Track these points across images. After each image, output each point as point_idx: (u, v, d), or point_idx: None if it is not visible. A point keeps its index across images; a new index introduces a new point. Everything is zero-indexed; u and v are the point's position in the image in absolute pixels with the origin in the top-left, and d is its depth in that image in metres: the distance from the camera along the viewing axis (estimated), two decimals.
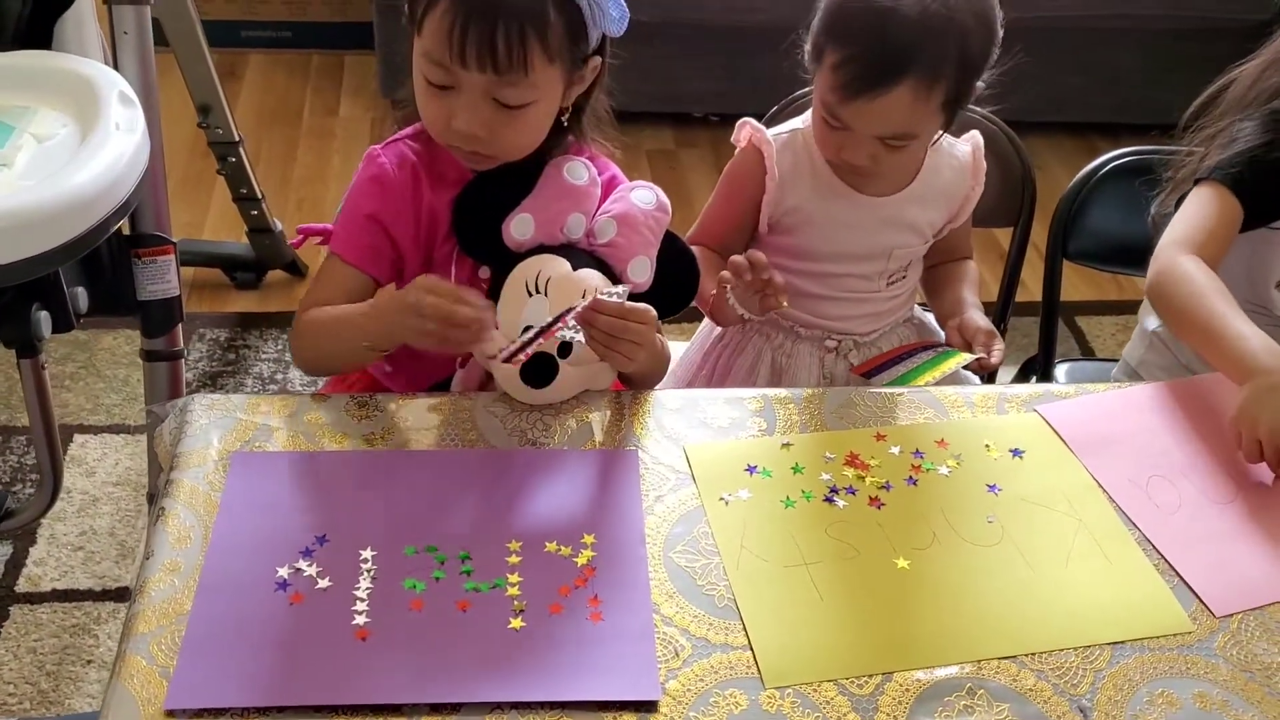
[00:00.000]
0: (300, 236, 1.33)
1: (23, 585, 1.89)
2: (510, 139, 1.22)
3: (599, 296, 1.16)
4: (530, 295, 1.21)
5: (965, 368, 1.43)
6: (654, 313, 1.21)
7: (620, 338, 1.18)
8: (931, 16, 1.29)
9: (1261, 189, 1.39)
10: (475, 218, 1.26)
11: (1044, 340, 1.77)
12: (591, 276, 1.23)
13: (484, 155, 1.24)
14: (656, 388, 1.31)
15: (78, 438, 2.17)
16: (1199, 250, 1.35)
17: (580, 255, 1.25)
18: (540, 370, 1.20)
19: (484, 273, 1.29)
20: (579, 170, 1.27)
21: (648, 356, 1.23)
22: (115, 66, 1.52)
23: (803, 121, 1.51)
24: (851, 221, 1.50)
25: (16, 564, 1.92)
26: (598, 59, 1.24)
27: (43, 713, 1.70)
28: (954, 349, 1.47)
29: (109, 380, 2.31)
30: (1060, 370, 1.81)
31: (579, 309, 1.16)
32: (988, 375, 1.76)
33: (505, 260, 1.24)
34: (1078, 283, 2.73)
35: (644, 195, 1.29)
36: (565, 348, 1.20)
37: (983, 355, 1.43)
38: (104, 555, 1.94)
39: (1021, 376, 1.87)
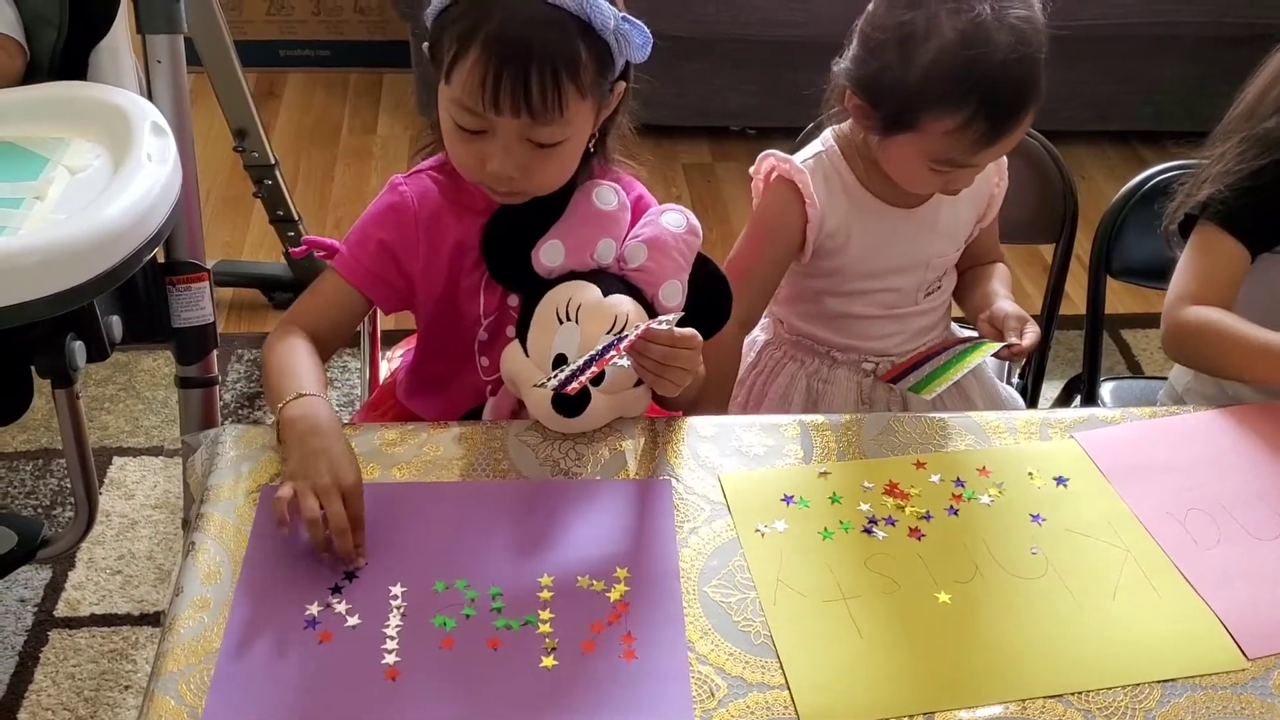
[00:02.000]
0: (304, 247, 1.30)
1: (61, 610, 1.89)
2: (546, 176, 1.21)
3: (651, 325, 1.14)
4: (561, 322, 1.20)
5: (997, 355, 1.40)
6: (700, 338, 1.19)
7: (671, 365, 1.16)
8: (1025, 39, 1.29)
9: (1259, 219, 1.38)
10: (505, 245, 1.24)
11: (1088, 359, 1.74)
12: (623, 303, 1.21)
13: (517, 192, 1.22)
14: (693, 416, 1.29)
15: (117, 460, 2.17)
16: (1205, 302, 1.36)
17: (611, 281, 1.23)
18: (575, 399, 1.18)
19: (513, 300, 1.28)
20: (608, 195, 1.25)
21: (694, 382, 1.22)
22: (149, 95, 1.52)
23: (822, 144, 1.49)
24: (889, 235, 1.48)
25: (55, 588, 1.93)
26: (622, 83, 1.23)
27: None
28: (983, 339, 1.44)
29: (148, 402, 2.32)
30: (1105, 389, 1.78)
31: (631, 338, 1.13)
32: (1025, 368, 1.74)
33: (535, 287, 1.23)
34: (1122, 295, 2.67)
35: (674, 219, 1.27)
36: (599, 376, 1.18)
37: (1013, 340, 1.39)
38: (142, 579, 1.94)
39: (1066, 395, 1.83)
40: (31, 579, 1.94)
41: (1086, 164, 3.20)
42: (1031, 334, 1.40)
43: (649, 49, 1.20)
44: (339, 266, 1.28)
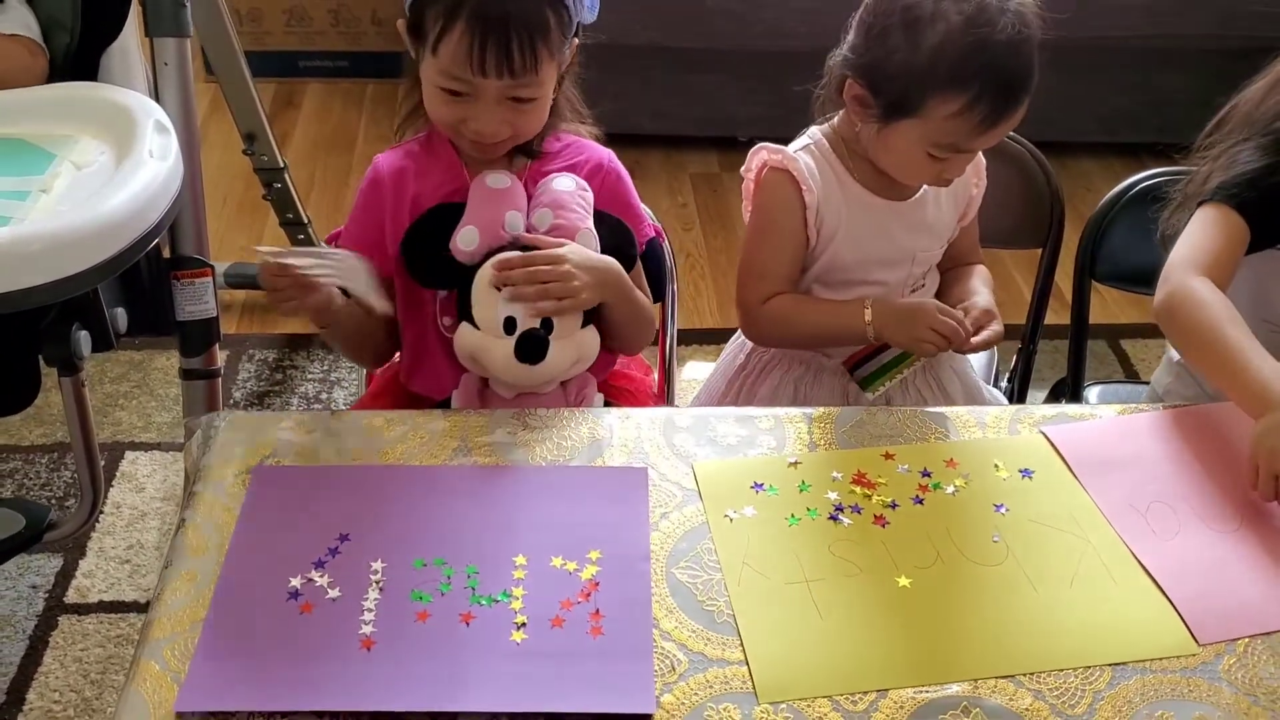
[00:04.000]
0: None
1: (71, 596, 1.95)
2: (524, 126, 1.35)
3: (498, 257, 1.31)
4: (500, 290, 1.32)
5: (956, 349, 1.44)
6: (564, 249, 1.33)
7: (537, 281, 1.30)
8: (1026, 21, 1.34)
9: (1265, 211, 1.38)
10: (423, 248, 1.35)
11: (1073, 362, 1.76)
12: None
13: (493, 145, 1.35)
14: (671, 407, 1.33)
15: (129, 454, 2.23)
16: (1209, 271, 1.33)
17: (528, 248, 1.34)
18: (533, 348, 1.32)
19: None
20: (500, 178, 1.37)
21: (595, 298, 1.34)
22: (157, 96, 1.57)
23: (810, 137, 1.52)
24: (878, 226, 1.51)
25: (66, 575, 1.99)
26: (575, 40, 1.36)
27: (86, 719, 1.75)
28: None
29: (161, 400, 2.38)
30: (1092, 393, 1.80)
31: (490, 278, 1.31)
32: (1012, 371, 1.77)
33: (465, 279, 1.34)
34: (1124, 305, 2.70)
35: (563, 182, 1.39)
36: (548, 323, 1.32)
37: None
38: (150, 569, 2.00)
39: (1052, 399, 1.86)
40: (43, 566, 2.00)
41: (1092, 176, 3.23)
42: (990, 331, 1.43)
43: (596, 9, 1.35)
44: (343, 243, 1.39)
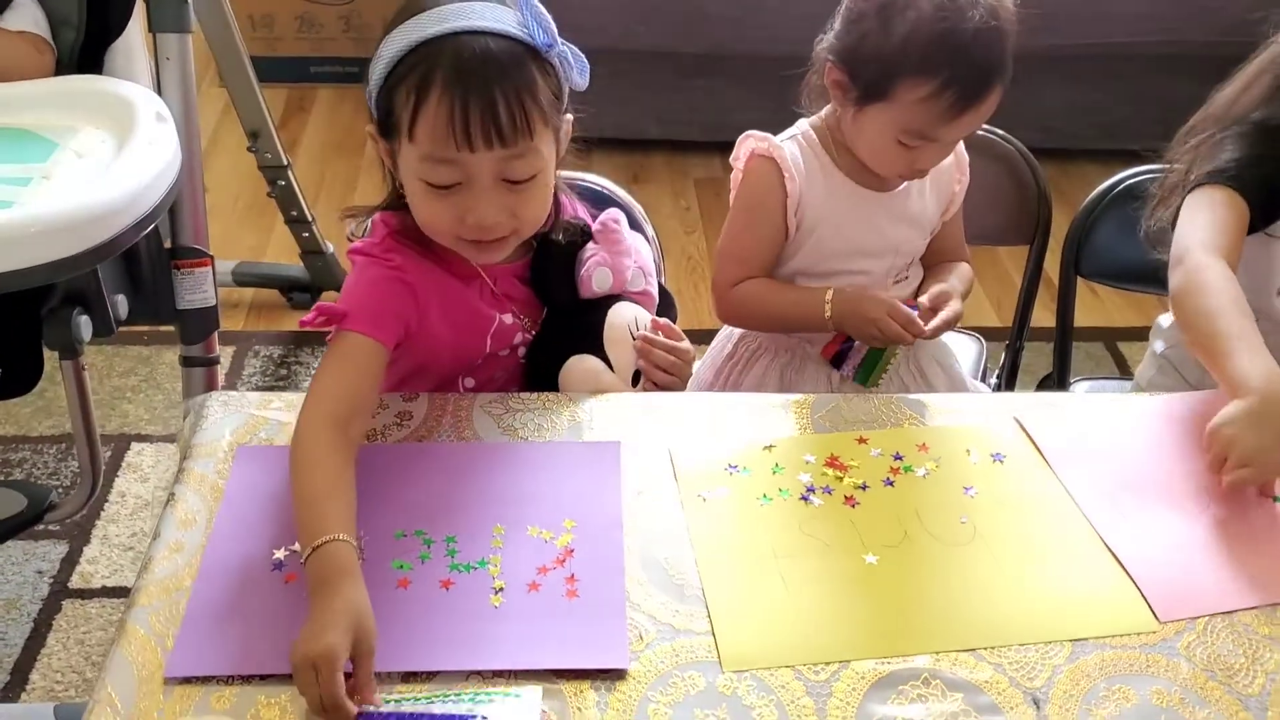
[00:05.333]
0: (314, 314, 1.23)
1: (75, 581, 2.00)
2: (528, 215, 1.23)
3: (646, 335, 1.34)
4: (635, 339, 1.34)
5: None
6: (685, 342, 1.36)
7: (673, 361, 1.34)
8: (996, 15, 1.37)
9: (1258, 194, 1.40)
10: (552, 266, 1.35)
11: (1058, 357, 1.79)
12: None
13: (497, 242, 1.23)
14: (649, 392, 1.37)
15: (135, 445, 2.28)
16: (1224, 251, 1.34)
17: (629, 300, 1.38)
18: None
19: (519, 337, 1.35)
20: (625, 223, 1.38)
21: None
22: (159, 90, 1.62)
23: (798, 128, 1.56)
24: (861, 216, 1.54)
25: (71, 561, 2.03)
26: (569, 116, 1.26)
27: (86, 699, 1.79)
28: None
29: (167, 393, 2.42)
30: (1080, 388, 1.82)
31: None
32: (1000, 367, 1.79)
33: (572, 305, 1.36)
34: (1122, 307, 2.72)
35: (644, 246, 1.41)
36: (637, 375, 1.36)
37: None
38: None
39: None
40: (49, 552, 2.04)
41: (1094, 181, 3.20)
42: (948, 310, 1.46)
43: (588, 75, 1.22)
44: (353, 325, 1.21)
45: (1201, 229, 1.38)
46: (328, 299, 2.72)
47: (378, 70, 1.19)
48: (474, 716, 0.94)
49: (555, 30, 1.19)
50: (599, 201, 1.52)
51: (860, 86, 1.44)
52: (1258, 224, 1.43)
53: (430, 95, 1.12)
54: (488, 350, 1.34)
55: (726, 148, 3.45)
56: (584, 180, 1.57)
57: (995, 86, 1.40)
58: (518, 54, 1.16)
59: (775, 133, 1.57)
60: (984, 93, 1.39)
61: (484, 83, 1.12)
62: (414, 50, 1.15)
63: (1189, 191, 1.43)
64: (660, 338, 1.34)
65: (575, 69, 1.20)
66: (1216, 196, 1.40)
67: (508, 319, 1.34)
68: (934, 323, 1.45)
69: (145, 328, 2.34)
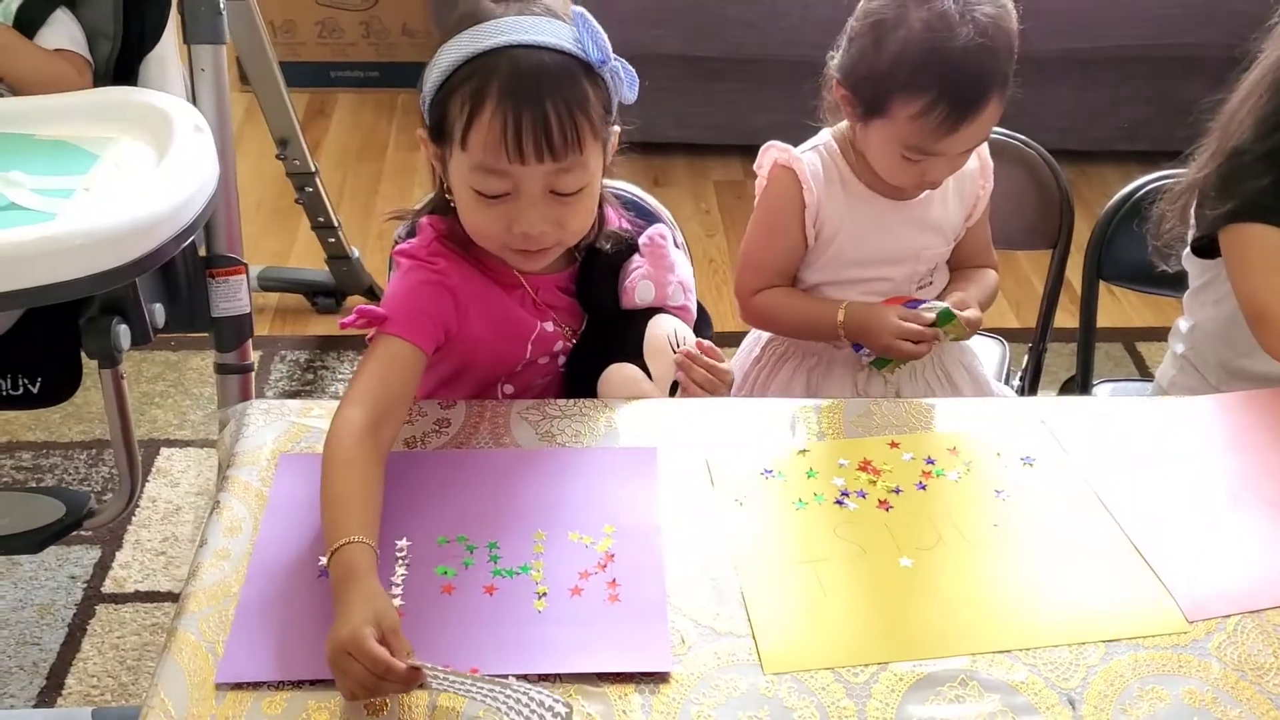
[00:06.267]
0: (355, 316, 1.26)
1: (108, 586, 2.03)
2: (574, 226, 1.26)
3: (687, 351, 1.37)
4: (675, 351, 1.37)
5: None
6: (726, 364, 1.38)
7: (711, 379, 1.35)
8: (987, 32, 1.38)
9: None
10: (597, 274, 1.38)
11: (1081, 360, 1.80)
12: (692, 338, 1.40)
13: (541, 251, 1.26)
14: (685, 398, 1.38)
15: (164, 451, 2.30)
16: None
17: (670, 313, 1.40)
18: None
19: (559, 345, 1.37)
20: (670, 239, 1.39)
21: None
22: (194, 100, 1.64)
23: (820, 138, 1.58)
24: (881, 224, 1.56)
25: (104, 567, 2.06)
26: (617, 128, 1.28)
27: (122, 704, 1.82)
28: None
29: (195, 398, 2.45)
30: (1103, 390, 1.84)
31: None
32: (1023, 370, 1.81)
33: (614, 315, 1.38)
34: (1140, 308, 2.73)
35: (685, 264, 1.43)
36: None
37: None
38: (184, 560, 2.06)
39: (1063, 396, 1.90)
40: (82, 558, 2.07)
41: (1113, 184, 3.20)
42: (970, 313, 1.50)
43: (637, 89, 1.24)
44: (394, 329, 1.23)
45: (1261, 278, 1.41)
46: (353, 303, 2.75)
47: (433, 77, 1.21)
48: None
49: (609, 46, 1.21)
50: (629, 208, 1.54)
51: (862, 104, 1.46)
52: None
53: (484, 107, 1.15)
54: (528, 356, 1.36)
55: (745, 150, 3.48)
56: (614, 188, 1.59)
57: (989, 100, 1.40)
58: (571, 69, 1.18)
59: (794, 136, 1.60)
60: (977, 108, 1.40)
61: (537, 97, 1.15)
62: (470, 61, 1.17)
63: (1214, 228, 1.45)
64: (702, 356, 1.36)
65: (625, 83, 1.23)
66: (1253, 236, 1.43)
67: (549, 326, 1.36)
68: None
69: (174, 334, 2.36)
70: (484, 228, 1.24)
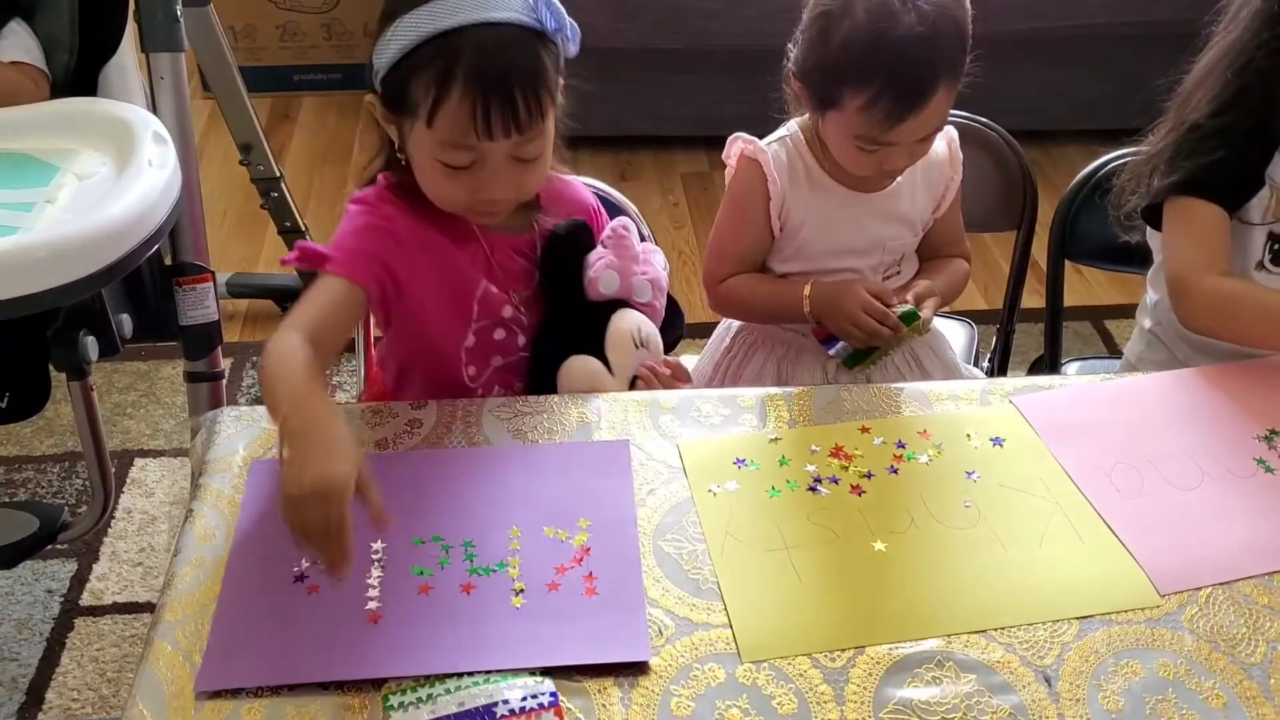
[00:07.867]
0: (297, 253, 1.29)
1: (86, 599, 2.01)
2: (530, 184, 1.31)
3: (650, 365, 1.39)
4: (636, 347, 1.38)
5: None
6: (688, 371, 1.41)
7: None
8: (930, 21, 1.37)
9: (1226, 190, 1.46)
10: (561, 262, 1.38)
11: (1049, 339, 1.82)
12: (656, 335, 1.41)
13: (499, 210, 1.31)
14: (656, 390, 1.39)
15: (138, 461, 2.29)
16: (1218, 268, 1.41)
17: (634, 309, 1.41)
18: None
19: (507, 311, 1.38)
20: (635, 232, 1.40)
21: None
22: (154, 109, 1.63)
23: (787, 130, 1.58)
24: (846, 216, 1.57)
25: (81, 579, 2.05)
26: (562, 82, 1.30)
27: (103, 715, 1.81)
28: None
29: (168, 407, 2.44)
30: (1071, 368, 1.85)
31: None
32: (991, 352, 1.82)
33: (576, 303, 1.38)
34: (1107, 286, 2.75)
35: (661, 260, 1.43)
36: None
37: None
38: (161, 570, 2.05)
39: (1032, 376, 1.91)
40: (58, 571, 2.06)
41: (1077, 162, 3.22)
42: (925, 310, 1.49)
43: (578, 41, 1.27)
44: (333, 268, 1.28)
45: (1191, 252, 1.44)
46: None
47: (389, 52, 1.21)
48: (495, 703, 0.96)
49: (563, 12, 1.23)
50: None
51: (814, 96, 1.47)
52: (1236, 205, 1.47)
53: (451, 91, 1.18)
54: (475, 316, 1.36)
55: (712, 141, 3.50)
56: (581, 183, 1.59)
57: (936, 89, 1.39)
58: (530, 44, 1.21)
59: (760, 126, 1.60)
60: (923, 98, 1.39)
61: (503, 80, 1.18)
62: (430, 42, 1.18)
63: (1158, 197, 1.48)
64: (665, 372, 1.38)
65: (572, 41, 1.26)
66: (1192, 208, 1.46)
67: (494, 289, 1.36)
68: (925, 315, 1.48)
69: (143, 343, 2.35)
70: (449, 195, 1.27)
